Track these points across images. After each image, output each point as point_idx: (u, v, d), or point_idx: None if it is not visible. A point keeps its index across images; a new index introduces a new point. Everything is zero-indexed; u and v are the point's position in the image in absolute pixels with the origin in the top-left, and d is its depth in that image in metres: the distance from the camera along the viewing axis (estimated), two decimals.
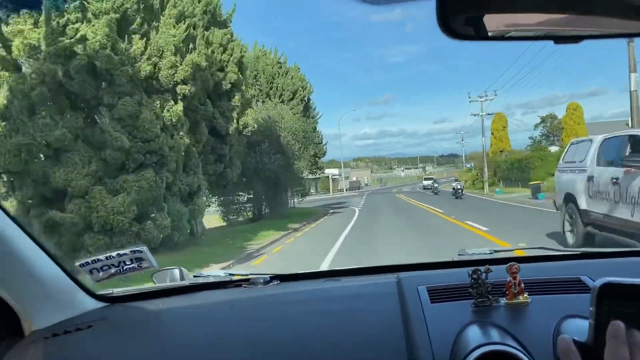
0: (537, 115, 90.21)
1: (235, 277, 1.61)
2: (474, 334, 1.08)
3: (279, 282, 1.58)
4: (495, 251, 1.71)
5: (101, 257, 1.47)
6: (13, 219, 1.19)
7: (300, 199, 28.29)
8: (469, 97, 37.11)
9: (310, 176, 34.50)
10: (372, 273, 1.63)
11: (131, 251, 1.49)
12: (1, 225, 1.15)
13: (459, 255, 1.66)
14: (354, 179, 79.71)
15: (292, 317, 1.30)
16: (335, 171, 71.17)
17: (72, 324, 1.28)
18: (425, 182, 50.56)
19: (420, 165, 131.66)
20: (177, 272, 1.63)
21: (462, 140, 69.73)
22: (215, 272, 1.70)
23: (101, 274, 1.46)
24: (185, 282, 1.60)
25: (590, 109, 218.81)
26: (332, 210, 25.56)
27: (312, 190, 47.48)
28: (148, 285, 1.60)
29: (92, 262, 1.46)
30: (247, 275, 1.61)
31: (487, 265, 1.24)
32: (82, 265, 1.45)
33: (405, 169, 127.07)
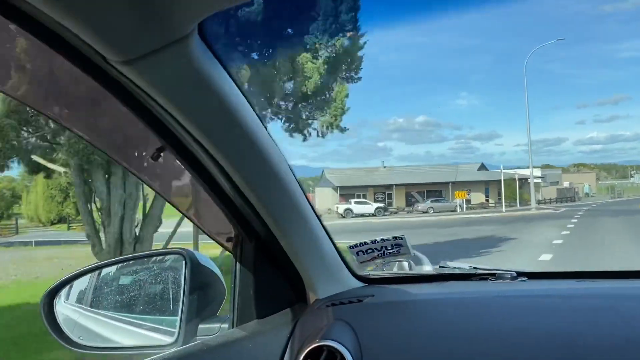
0: None
1: (479, 271, 1.61)
2: None
3: (526, 278, 1.55)
4: None
5: (368, 241, 1.65)
6: (310, 203, 1.30)
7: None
8: None
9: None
10: (631, 277, 1.53)
11: (393, 237, 1.64)
12: (304, 208, 1.27)
13: None
14: (566, 184, 57.83)
15: (550, 312, 1.25)
16: (527, 172, 54.43)
17: (345, 297, 1.41)
18: None
19: None
20: (406, 264, 1.71)
21: None
22: (459, 264, 1.70)
23: (366, 256, 1.64)
24: (431, 271, 1.67)
25: None
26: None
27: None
28: (400, 271, 1.70)
29: (360, 245, 1.64)
30: (491, 270, 1.60)
31: None
32: (351, 247, 1.64)
33: None
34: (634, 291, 1.36)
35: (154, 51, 0.79)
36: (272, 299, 1.39)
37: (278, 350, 1.27)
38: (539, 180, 53.96)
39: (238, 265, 1.36)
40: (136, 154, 1.23)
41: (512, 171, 52.50)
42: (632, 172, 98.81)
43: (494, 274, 1.55)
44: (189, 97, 0.92)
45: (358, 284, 1.54)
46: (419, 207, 41.89)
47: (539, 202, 46.97)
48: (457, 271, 1.62)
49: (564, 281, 1.57)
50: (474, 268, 1.63)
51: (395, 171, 51.20)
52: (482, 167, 52.93)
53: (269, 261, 1.37)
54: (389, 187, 45.53)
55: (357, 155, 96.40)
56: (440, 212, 39.54)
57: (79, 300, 1.58)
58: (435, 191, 47.09)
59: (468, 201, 45.46)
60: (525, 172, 56.90)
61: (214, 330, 1.35)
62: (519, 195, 46.96)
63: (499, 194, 46.33)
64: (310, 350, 1.19)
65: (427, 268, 1.72)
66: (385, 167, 52.47)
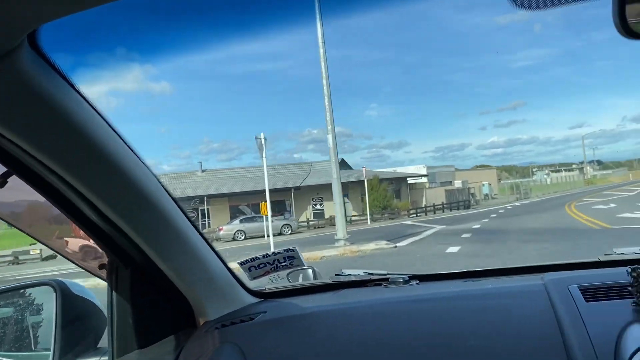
0: None
1: (374, 277, 1.63)
2: (638, 332, 1.06)
3: (418, 282, 1.58)
4: None
5: (259, 255, 1.64)
6: (190, 220, 1.25)
7: None
8: None
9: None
10: (514, 273, 1.62)
11: (285, 250, 1.66)
12: (182, 227, 1.21)
13: (605, 255, 1.63)
14: (458, 184, 44.15)
15: (436, 315, 1.28)
16: (412, 169, 40.22)
17: (237, 317, 1.37)
18: None
19: (577, 165, 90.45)
20: (310, 271, 1.73)
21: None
22: (354, 271, 1.72)
23: (258, 271, 1.63)
24: (328, 280, 1.67)
25: None
26: None
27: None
28: (295, 283, 1.70)
29: (251, 260, 1.63)
30: (385, 274, 1.63)
31: None
32: (242, 263, 1.63)
33: (552, 171, 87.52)
34: (511, 289, 1.40)
35: None
36: (155, 327, 1.33)
37: None
38: (423, 179, 40.28)
39: (114, 293, 1.29)
40: None
41: (385, 170, 38.37)
42: (534, 170, 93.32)
43: (387, 279, 1.59)
44: (27, 116, 0.83)
45: (253, 300, 1.51)
46: (221, 233, 26.77)
47: (416, 211, 32.71)
48: (352, 278, 1.65)
49: (452, 282, 1.60)
50: (369, 274, 1.66)
51: (217, 176, 35.77)
52: (344, 164, 37.58)
53: (150, 286, 1.31)
54: (203, 198, 30.91)
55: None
56: (256, 236, 26.14)
57: None
58: (279, 202, 31.88)
59: (321, 214, 30.90)
60: (410, 170, 42.92)
61: None
62: (393, 201, 33.00)
63: (363, 201, 32.16)
64: None
65: (316, 278, 1.72)
66: (204, 170, 36.84)
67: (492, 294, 1.35)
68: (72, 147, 0.90)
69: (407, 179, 40.34)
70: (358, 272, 1.68)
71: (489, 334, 1.16)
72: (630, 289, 1.17)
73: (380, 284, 1.57)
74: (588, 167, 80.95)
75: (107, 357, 1.28)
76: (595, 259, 1.59)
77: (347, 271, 1.70)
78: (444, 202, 36.38)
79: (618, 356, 1.01)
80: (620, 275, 1.21)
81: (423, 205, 36.03)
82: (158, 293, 1.31)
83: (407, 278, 1.56)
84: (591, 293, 1.25)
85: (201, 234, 1.28)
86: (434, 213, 33.48)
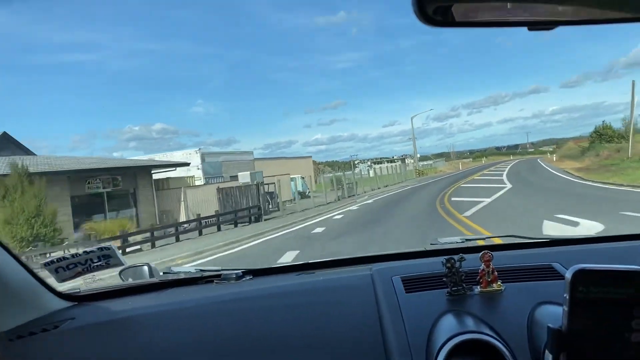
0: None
1: (206, 273, 1.58)
2: (449, 323, 1.09)
3: (251, 277, 1.55)
4: (468, 240, 1.74)
5: (67, 255, 1.48)
6: None
7: None
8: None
9: None
10: (346, 265, 1.64)
11: (98, 249, 1.51)
12: None
13: (431, 244, 1.71)
14: (244, 178, 23.80)
15: (266, 312, 1.28)
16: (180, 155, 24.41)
17: (38, 325, 1.24)
18: None
19: (399, 157, 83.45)
20: (145, 268, 1.62)
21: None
22: (185, 268, 1.66)
23: (67, 272, 1.46)
24: (155, 279, 1.58)
25: (531, 107, 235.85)
26: None
27: None
28: (116, 283, 1.57)
29: (58, 261, 1.46)
30: (218, 270, 1.59)
31: (461, 254, 1.27)
32: (46, 265, 1.45)
33: (374, 163, 76.79)
34: (341, 281, 1.41)
35: None
36: None
37: None
38: (189, 172, 23.72)
39: None
40: None
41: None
42: (357, 163, 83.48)
43: (219, 276, 1.55)
44: None
45: (64, 304, 1.39)
46: None
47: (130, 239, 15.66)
48: (182, 276, 1.58)
49: (286, 276, 1.58)
50: (201, 270, 1.61)
51: None
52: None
53: None
54: None
55: None
56: None
57: None
58: None
59: None
60: (175, 156, 25.95)
61: None
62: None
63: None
64: None
65: (152, 276, 1.62)
66: None
67: (323, 288, 1.38)
68: None
69: (152, 172, 23.11)
70: (189, 269, 1.63)
71: (317, 329, 1.17)
72: (444, 279, 1.23)
73: (212, 281, 1.54)
74: (412, 159, 71.50)
75: None
76: (422, 249, 1.68)
77: (176, 268, 1.65)
78: (218, 211, 19.91)
79: (430, 347, 1.02)
80: (440, 265, 1.25)
81: (178, 220, 19.28)
82: None
83: (241, 273, 1.55)
84: (412, 284, 1.29)
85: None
86: (176, 239, 16.89)
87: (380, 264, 1.49)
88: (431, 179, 41.16)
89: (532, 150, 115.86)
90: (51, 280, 1.41)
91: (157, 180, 23.61)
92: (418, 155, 68.18)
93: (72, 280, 1.47)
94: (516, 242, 1.76)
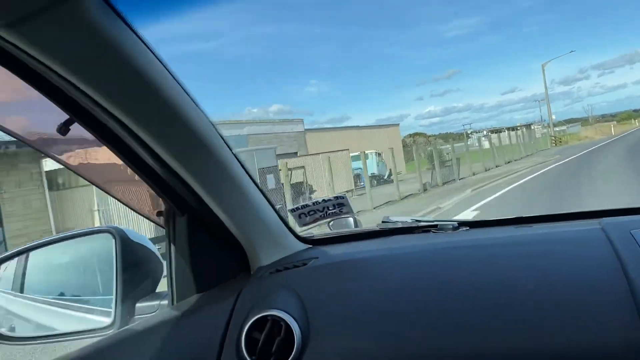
0: None
1: (422, 224, 1.60)
2: None
3: (468, 228, 1.55)
4: None
5: (309, 202, 1.65)
6: (244, 167, 1.25)
7: None
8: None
9: None
10: (568, 219, 1.55)
11: (335, 197, 1.67)
12: (237, 173, 1.22)
13: None
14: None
15: (487, 260, 1.26)
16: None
17: (289, 262, 1.38)
18: None
19: (520, 125, 66.03)
20: (351, 219, 1.72)
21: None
22: (401, 217, 1.69)
23: (307, 218, 1.65)
24: (376, 227, 1.64)
25: None
26: None
27: None
28: (342, 230, 1.68)
29: (301, 208, 1.65)
30: (433, 221, 1.60)
31: None
32: (292, 211, 1.66)
33: (491, 132, 58.09)
34: (567, 234, 1.35)
35: (40, 10, 0.71)
36: (212, 272, 1.34)
37: (221, 323, 1.20)
38: None
39: (171, 239, 1.30)
40: (43, 130, 1.13)
41: None
42: (470, 133, 70.55)
43: (435, 226, 1.55)
44: (90, 62, 0.84)
45: (303, 246, 1.51)
46: None
47: None
48: (399, 225, 1.62)
49: (503, 228, 1.55)
50: (416, 221, 1.63)
51: None
52: None
53: (205, 233, 1.32)
54: None
55: None
56: None
57: (7, 286, 1.50)
58: None
59: None
60: None
61: (152, 308, 1.31)
62: None
63: None
64: (254, 321, 1.15)
65: (357, 226, 1.70)
66: None
67: (547, 240, 1.32)
68: (133, 92, 0.91)
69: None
70: (406, 219, 1.65)
71: (545, 280, 1.12)
72: None
73: (428, 231, 1.54)
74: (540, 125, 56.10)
75: (166, 301, 1.29)
76: None
77: (393, 218, 1.67)
78: None
79: None
80: None
81: None
82: (213, 239, 1.32)
83: (457, 225, 1.54)
84: None
85: (254, 181, 1.28)
86: None
87: (611, 218, 1.38)
88: (584, 149, 27.68)
89: None
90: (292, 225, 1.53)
91: None
92: (553, 117, 52.54)
93: (309, 226, 1.63)
94: None
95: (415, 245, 1.45)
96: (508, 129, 49.87)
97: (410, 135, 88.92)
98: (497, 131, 55.62)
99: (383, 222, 1.65)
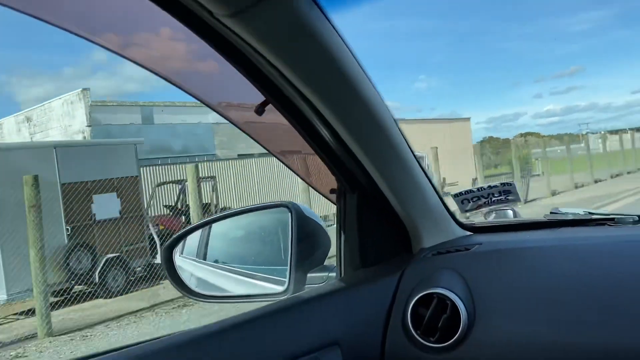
0: None
1: (595, 216, 1.52)
2: None
3: None
4: None
5: (474, 188, 1.61)
6: (412, 151, 1.30)
7: None
8: None
9: None
10: None
11: (501, 184, 1.62)
12: (407, 156, 1.25)
13: None
14: None
15: None
16: None
17: (451, 246, 1.38)
18: None
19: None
20: (510, 212, 1.67)
21: None
22: (573, 209, 1.62)
23: (470, 204, 1.61)
24: (542, 218, 1.60)
25: None
26: None
27: None
28: (504, 219, 1.66)
29: (465, 193, 1.62)
30: (610, 214, 1.51)
31: None
32: (456, 195, 1.62)
33: (609, 133, 51.09)
34: None
35: (259, 1, 0.79)
36: (377, 249, 1.39)
37: (386, 298, 1.25)
38: None
39: (342, 216, 1.38)
40: (243, 110, 1.26)
41: None
42: (585, 132, 59.01)
43: (612, 219, 1.47)
44: (292, 48, 0.93)
45: (463, 232, 1.50)
46: None
47: None
48: (570, 217, 1.54)
49: None
50: (589, 213, 1.54)
51: None
52: None
53: (373, 212, 1.37)
54: None
55: None
56: None
57: (193, 253, 1.64)
58: None
59: None
60: None
61: (321, 279, 1.39)
62: None
63: None
64: (420, 297, 1.17)
65: (515, 217, 1.65)
66: None
67: None
68: (324, 76, 1.00)
69: None
70: (577, 211, 1.58)
71: None
72: None
73: (604, 224, 1.46)
74: None
75: (334, 273, 1.38)
76: None
77: (563, 209, 1.61)
78: None
79: None
80: None
81: None
82: (380, 218, 1.37)
83: (637, 219, 1.42)
84: None
85: (420, 165, 1.31)
86: None
87: None
88: None
89: None
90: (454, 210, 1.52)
91: None
92: None
93: (472, 212, 1.60)
94: None
95: (590, 237, 1.39)
96: (632, 130, 43.43)
97: (521, 135, 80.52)
98: (621, 132, 48.79)
99: (551, 212, 1.59)
